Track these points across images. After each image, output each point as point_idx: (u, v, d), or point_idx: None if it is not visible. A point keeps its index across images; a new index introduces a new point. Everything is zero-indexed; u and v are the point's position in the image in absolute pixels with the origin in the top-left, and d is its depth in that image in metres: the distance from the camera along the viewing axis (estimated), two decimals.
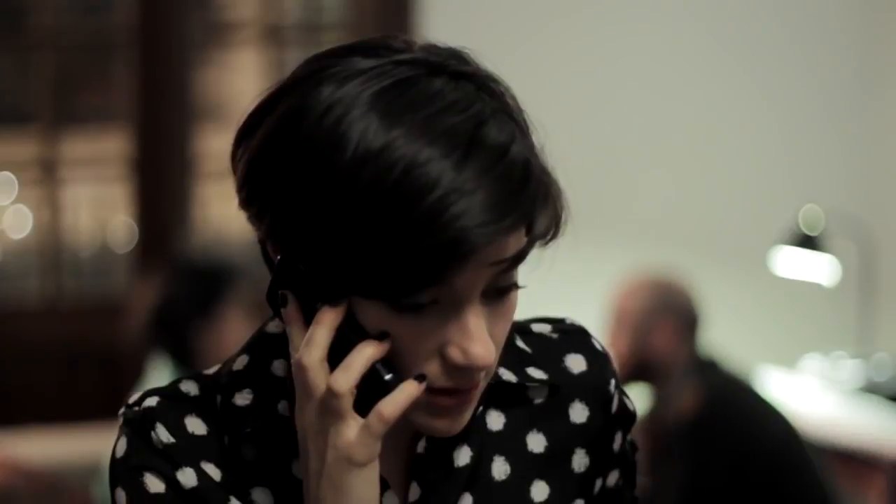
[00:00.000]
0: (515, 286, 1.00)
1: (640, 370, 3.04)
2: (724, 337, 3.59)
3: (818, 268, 3.96)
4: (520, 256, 0.97)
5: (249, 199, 1.00)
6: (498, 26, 4.05)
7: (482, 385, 1.01)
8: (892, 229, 4.39)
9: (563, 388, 1.11)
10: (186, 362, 2.85)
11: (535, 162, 0.97)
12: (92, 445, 3.22)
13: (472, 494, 1.07)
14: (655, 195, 4.35)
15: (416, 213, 0.91)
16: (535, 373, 1.11)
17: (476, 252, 0.93)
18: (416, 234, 0.92)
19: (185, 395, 1.05)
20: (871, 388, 3.86)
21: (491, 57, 1.03)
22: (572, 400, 1.12)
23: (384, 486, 1.04)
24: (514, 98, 0.99)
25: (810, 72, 4.47)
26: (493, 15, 4.11)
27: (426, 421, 1.00)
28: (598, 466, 1.13)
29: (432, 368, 0.98)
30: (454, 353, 0.97)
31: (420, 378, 0.97)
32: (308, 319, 0.98)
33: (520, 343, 1.12)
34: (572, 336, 1.14)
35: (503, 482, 1.08)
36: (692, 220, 4.37)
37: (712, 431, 2.94)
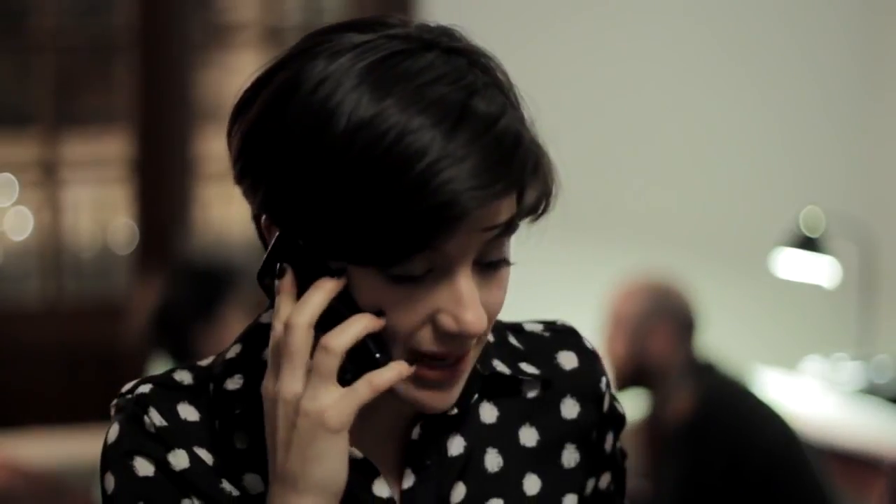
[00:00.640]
0: (507, 262, 1.01)
1: (637, 373, 3.05)
2: (724, 338, 3.59)
3: (819, 269, 3.96)
4: (511, 223, 0.98)
5: (244, 171, 1.01)
6: (498, 28, 4.05)
7: (472, 357, 1.01)
8: (893, 231, 4.38)
9: (554, 383, 1.13)
10: None
11: (526, 133, 0.98)
12: (92, 447, 3.20)
13: (465, 484, 1.08)
14: (655, 197, 4.35)
15: (408, 179, 0.93)
16: (528, 368, 1.12)
17: (467, 216, 0.94)
18: (408, 198, 0.93)
19: (179, 384, 1.06)
20: (872, 390, 3.86)
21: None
22: (564, 396, 1.13)
23: (374, 473, 1.04)
24: (505, 73, 1.01)
25: (811, 73, 4.47)
26: (493, 16, 4.11)
27: (416, 395, 1.00)
28: (590, 464, 1.14)
29: (423, 335, 0.98)
30: (446, 321, 0.97)
31: (411, 362, 0.98)
32: (301, 294, 0.99)
33: (512, 340, 1.13)
34: (563, 335, 1.16)
35: (496, 474, 1.09)
36: (693, 222, 4.37)
37: (709, 433, 2.95)
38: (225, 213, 4.36)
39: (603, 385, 1.15)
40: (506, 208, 0.97)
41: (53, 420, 3.91)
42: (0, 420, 3.97)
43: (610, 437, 1.15)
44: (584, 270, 4.05)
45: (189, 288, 3.00)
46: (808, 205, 4.01)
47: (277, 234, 1.00)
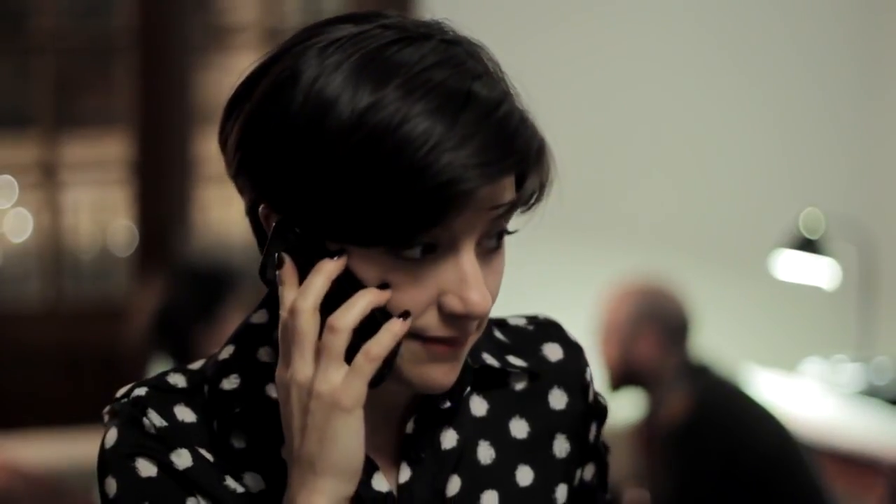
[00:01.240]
0: (507, 232, 1.02)
1: (629, 377, 3.07)
2: (724, 339, 3.59)
3: (818, 271, 3.96)
4: (514, 205, 0.99)
5: (243, 162, 1.01)
6: (497, 29, 4.04)
7: (473, 338, 1.02)
8: (893, 232, 4.39)
9: (541, 375, 1.14)
10: None
11: (528, 117, 0.99)
12: (93, 449, 3.19)
13: (460, 477, 1.08)
14: (655, 199, 4.35)
15: (417, 159, 0.94)
16: (515, 361, 1.13)
17: (474, 193, 0.95)
18: (417, 177, 0.94)
19: (174, 387, 1.06)
20: (872, 392, 3.86)
21: None
22: (551, 387, 1.14)
23: (373, 467, 1.05)
24: (499, 66, 1.02)
25: (811, 75, 4.48)
26: (493, 17, 4.11)
27: (420, 371, 1.00)
28: (578, 455, 1.15)
29: (429, 318, 0.99)
30: (452, 302, 0.98)
31: (404, 315, 0.98)
32: (303, 281, 0.99)
33: (498, 334, 1.14)
34: (547, 328, 1.17)
35: (489, 466, 1.10)
36: (692, 224, 4.37)
37: (703, 435, 2.95)
38: (224, 215, 4.36)
39: (588, 375, 1.16)
40: (509, 189, 0.98)
41: (53, 422, 3.90)
42: (0, 422, 3.97)
43: (594, 429, 1.17)
44: (584, 271, 4.05)
45: (189, 290, 3.00)
46: (808, 206, 4.02)
47: (275, 224, 1.00)
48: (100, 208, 4.53)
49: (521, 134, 0.97)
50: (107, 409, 1.06)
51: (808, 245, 3.94)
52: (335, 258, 0.98)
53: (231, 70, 4.48)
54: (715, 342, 3.34)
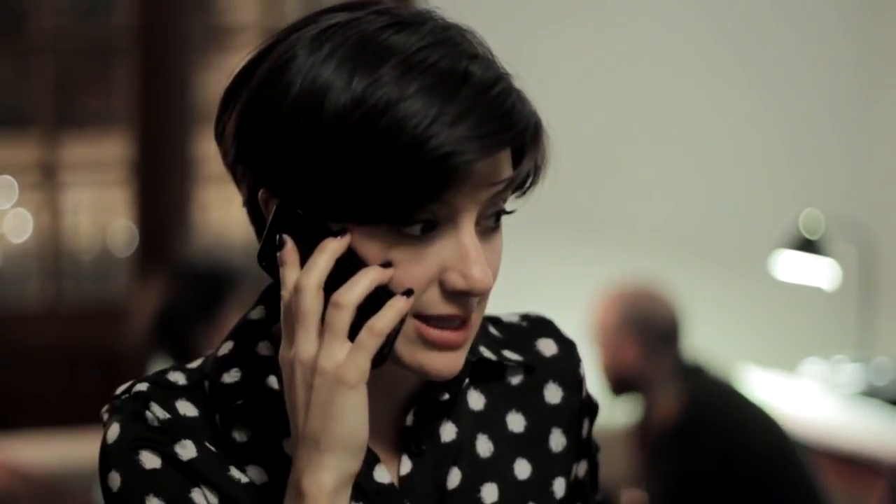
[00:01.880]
0: (504, 211, 1.02)
1: (619, 382, 3.08)
2: (724, 340, 3.59)
3: (818, 271, 3.96)
4: (512, 181, 1.00)
5: (242, 148, 1.01)
6: (497, 30, 4.04)
7: (475, 321, 1.02)
8: (893, 233, 4.39)
9: (537, 369, 1.15)
10: None
11: (524, 97, 1.01)
12: (93, 449, 3.20)
13: (460, 469, 1.09)
14: (655, 199, 4.35)
15: (413, 135, 0.95)
16: (511, 355, 1.14)
17: (472, 167, 0.96)
18: (414, 153, 0.95)
19: (174, 384, 1.06)
20: (872, 392, 3.86)
21: None
22: (546, 381, 1.15)
23: (375, 459, 1.05)
24: (489, 50, 1.03)
25: (811, 75, 4.48)
26: (493, 18, 4.11)
27: (423, 358, 1.00)
28: (574, 449, 1.16)
29: (431, 297, 0.99)
30: (454, 278, 0.99)
31: (408, 293, 0.98)
32: (304, 263, 0.99)
33: (493, 330, 1.15)
34: (540, 324, 1.18)
35: (488, 459, 1.11)
36: (692, 225, 4.37)
37: (697, 436, 2.95)
38: (224, 215, 4.36)
39: (581, 370, 1.17)
40: (507, 166, 1.00)
41: (53, 422, 3.91)
42: (0, 422, 3.97)
43: (586, 424, 1.17)
44: (584, 272, 4.05)
45: (189, 290, 3.00)
46: (808, 207, 4.02)
47: (275, 208, 1.00)
48: (100, 209, 4.53)
49: (518, 110, 0.98)
50: (106, 407, 1.06)
51: (807, 245, 3.94)
52: (339, 237, 0.98)
53: (231, 70, 4.48)
54: (715, 342, 3.34)
